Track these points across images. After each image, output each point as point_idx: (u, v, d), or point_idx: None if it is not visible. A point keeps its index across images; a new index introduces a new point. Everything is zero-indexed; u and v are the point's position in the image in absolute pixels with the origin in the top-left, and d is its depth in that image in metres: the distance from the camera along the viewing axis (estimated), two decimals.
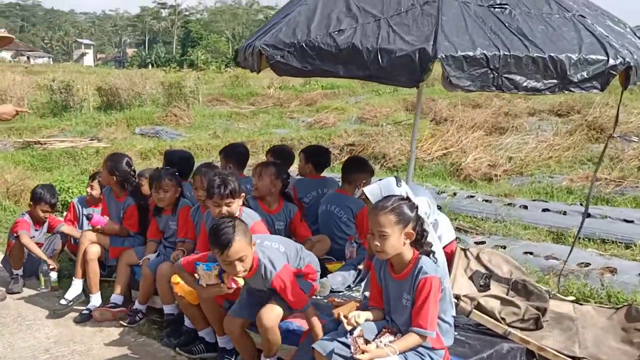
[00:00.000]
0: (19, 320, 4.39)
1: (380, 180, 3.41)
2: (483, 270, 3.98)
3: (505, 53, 3.29)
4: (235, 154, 5.30)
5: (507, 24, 3.47)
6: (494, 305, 3.62)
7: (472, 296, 3.62)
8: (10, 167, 10.59)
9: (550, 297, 4.17)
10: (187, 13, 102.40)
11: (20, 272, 5.13)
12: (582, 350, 3.48)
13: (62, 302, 4.61)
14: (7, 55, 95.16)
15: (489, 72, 3.29)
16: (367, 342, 2.86)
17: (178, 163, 5.05)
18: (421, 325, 2.86)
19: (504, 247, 6.14)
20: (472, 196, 8.89)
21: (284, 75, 3.77)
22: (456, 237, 4.39)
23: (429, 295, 2.86)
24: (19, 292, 4.98)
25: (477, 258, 4.06)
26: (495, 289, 3.85)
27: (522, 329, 3.63)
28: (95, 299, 4.60)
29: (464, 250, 4.14)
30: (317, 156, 5.23)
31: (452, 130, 13.97)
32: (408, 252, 2.97)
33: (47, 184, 5.69)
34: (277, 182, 4.51)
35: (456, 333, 3.53)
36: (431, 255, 2.97)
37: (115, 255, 4.73)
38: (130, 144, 14.11)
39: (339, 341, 2.92)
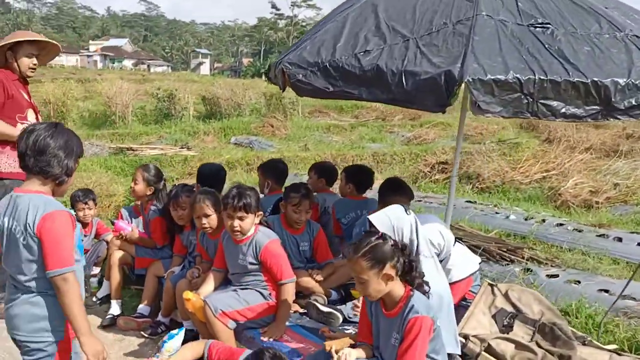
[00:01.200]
0: None
1: (390, 209, 3.33)
2: (509, 309, 3.76)
3: (542, 77, 3.10)
4: (273, 170, 5.36)
5: (547, 45, 3.27)
6: (505, 348, 3.42)
7: (482, 337, 3.44)
8: (102, 171, 11.28)
9: (584, 344, 3.89)
10: (303, 24, 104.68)
11: None
12: None
13: (93, 299, 4.89)
14: (128, 63, 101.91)
15: (523, 97, 3.11)
16: None
17: (209, 176, 5.16)
18: None
19: (578, 282, 5.79)
20: (562, 224, 8.42)
21: (305, 95, 3.76)
22: (476, 271, 4.17)
23: (417, 336, 2.76)
24: None
25: (506, 295, 3.85)
26: (520, 330, 3.63)
27: None
28: (115, 305, 4.78)
29: (492, 285, 3.94)
30: (358, 176, 5.16)
31: (557, 151, 13.34)
32: (398, 289, 2.88)
33: (82, 188, 6.00)
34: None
35: None
36: (425, 288, 2.85)
37: (141, 265, 4.90)
38: (218, 153, 14.60)
39: None
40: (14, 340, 2.69)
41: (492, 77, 3.05)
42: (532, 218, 8.84)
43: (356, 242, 2.96)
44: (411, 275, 2.87)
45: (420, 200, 10.20)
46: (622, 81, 3.15)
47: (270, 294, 3.91)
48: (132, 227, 5.01)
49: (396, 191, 4.58)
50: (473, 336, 3.45)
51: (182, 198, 4.69)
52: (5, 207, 2.67)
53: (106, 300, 4.87)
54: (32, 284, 2.59)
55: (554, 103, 3.15)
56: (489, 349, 3.41)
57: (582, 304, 5.20)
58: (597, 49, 3.32)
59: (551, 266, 6.52)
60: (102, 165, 12.21)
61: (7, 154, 4.56)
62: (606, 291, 5.58)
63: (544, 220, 8.64)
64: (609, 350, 3.90)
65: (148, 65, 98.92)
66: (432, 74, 3.12)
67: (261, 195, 4.90)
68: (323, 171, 5.49)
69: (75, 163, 2.77)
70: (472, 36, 3.24)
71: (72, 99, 20.51)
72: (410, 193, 4.68)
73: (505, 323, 3.67)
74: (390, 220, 3.22)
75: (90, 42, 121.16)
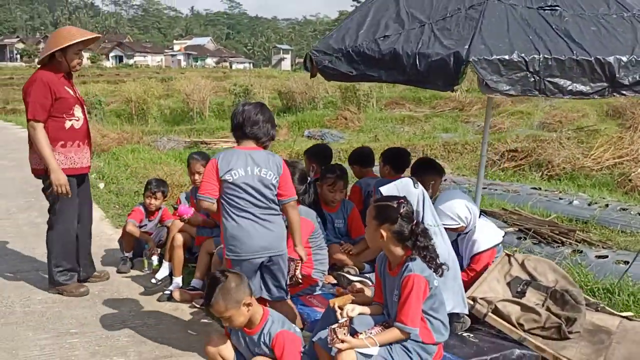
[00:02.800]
0: (115, 295, 5.19)
1: (400, 182, 3.65)
2: (524, 277, 3.98)
3: (546, 56, 3.31)
4: (317, 154, 5.74)
5: (554, 26, 3.48)
6: (511, 310, 3.64)
7: (489, 299, 3.68)
8: (176, 164, 12.02)
9: (597, 310, 4.06)
10: None
11: (129, 254, 5.93)
12: None
13: (152, 281, 5.37)
14: (211, 61, 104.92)
15: (529, 75, 3.32)
16: (356, 333, 3.14)
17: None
18: (402, 321, 3.06)
19: (626, 262, 5.87)
20: (625, 209, 8.39)
21: (332, 80, 4.12)
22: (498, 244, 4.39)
23: (410, 293, 3.04)
24: (125, 273, 5.78)
25: (522, 265, 4.07)
26: (532, 296, 3.84)
27: (544, 337, 3.61)
28: (177, 282, 5.26)
29: (509, 255, 4.16)
30: (394, 158, 5.43)
31: (630, 137, 13.06)
32: (399, 250, 3.18)
33: (158, 178, 6.52)
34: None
35: (471, 334, 3.66)
36: (427, 253, 3.14)
37: (200, 243, 5.37)
38: (288, 145, 15.12)
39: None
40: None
41: (498, 57, 3.29)
42: (595, 203, 8.83)
43: (382, 196, 3.35)
44: (414, 244, 3.16)
45: (485, 188, 10.32)
46: (625, 58, 3.32)
47: None
48: (193, 210, 5.51)
49: (427, 169, 4.87)
50: (481, 298, 3.71)
51: None
52: (244, 160, 3.65)
53: (165, 281, 5.40)
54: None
55: (561, 81, 3.35)
56: (496, 311, 3.65)
57: (625, 282, 5.33)
58: (603, 29, 3.50)
59: (602, 248, 6.60)
60: (177, 158, 12.96)
61: (58, 151, 4.95)
62: None
63: (607, 205, 8.63)
64: (621, 316, 4.06)
65: (230, 63, 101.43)
66: (442, 55, 3.40)
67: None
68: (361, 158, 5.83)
69: (274, 131, 3.88)
70: (482, 20, 3.49)
71: (152, 96, 21.60)
72: (440, 170, 4.95)
73: (519, 289, 3.90)
74: (398, 191, 3.54)
75: (174, 41, 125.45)
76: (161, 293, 5.17)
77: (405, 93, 27.89)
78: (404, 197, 3.27)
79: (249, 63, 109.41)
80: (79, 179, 5.19)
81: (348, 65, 3.88)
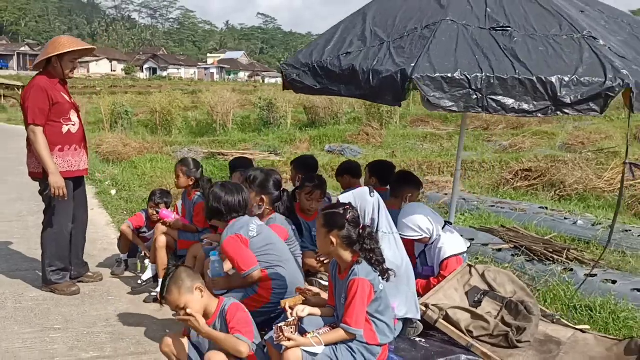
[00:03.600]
0: (104, 295, 5.50)
1: (359, 189, 3.89)
2: (483, 287, 4.16)
3: (489, 75, 3.48)
4: (303, 164, 6.00)
5: (502, 46, 3.66)
6: (461, 317, 3.81)
7: (440, 306, 3.87)
8: None
9: (553, 322, 4.20)
10: None
11: (124, 257, 6.25)
12: None
13: (139, 282, 5.68)
14: (243, 75, 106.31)
15: (472, 93, 3.50)
16: (305, 333, 3.35)
17: (239, 167, 5.88)
18: (347, 322, 3.25)
19: (614, 282, 5.98)
20: (628, 230, 8.45)
21: (299, 92, 4.39)
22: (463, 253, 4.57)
23: (355, 296, 3.23)
24: (119, 275, 6.10)
25: (482, 275, 4.24)
26: (488, 306, 4.01)
27: (492, 344, 3.77)
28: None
29: (471, 266, 4.34)
30: (380, 170, 5.66)
31: None
32: (347, 255, 3.38)
33: (163, 189, 6.80)
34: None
35: (423, 339, 3.84)
36: (373, 258, 3.35)
37: (183, 247, 5.60)
38: None
39: None
40: None
41: (441, 75, 3.48)
42: (599, 224, 8.89)
43: (330, 204, 3.57)
44: (362, 248, 3.36)
45: (493, 206, 10.46)
46: (567, 78, 3.47)
47: None
48: (175, 216, 5.81)
49: (405, 181, 5.08)
50: (433, 305, 3.90)
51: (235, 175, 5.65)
52: None
53: (150, 282, 5.67)
54: None
55: (503, 99, 3.51)
56: (447, 317, 3.82)
57: (607, 300, 5.46)
58: (551, 49, 3.68)
59: (593, 267, 6.69)
60: None
61: (56, 154, 5.28)
62: (639, 290, 5.76)
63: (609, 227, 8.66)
64: (575, 329, 4.21)
65: (262, 77, 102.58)
66: (391, 72, 3.60)
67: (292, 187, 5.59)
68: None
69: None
70: (432, 39, 3.69)
71: (177, 108, 22.12)
72: (418, 183, 5.16)
73: (476, 299, 4.07)
74: (354, 199, 3.78)
75: (208, 55, 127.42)
76: (148, 294, 5.46)
77: (432, 112, 27.94)
78: (349, 204, 3.50)
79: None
80: (76, 181, 5.53)
81: (313, 79, 4.14)
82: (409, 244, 4.71)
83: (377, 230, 3.74)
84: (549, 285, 5.91)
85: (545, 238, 7.89)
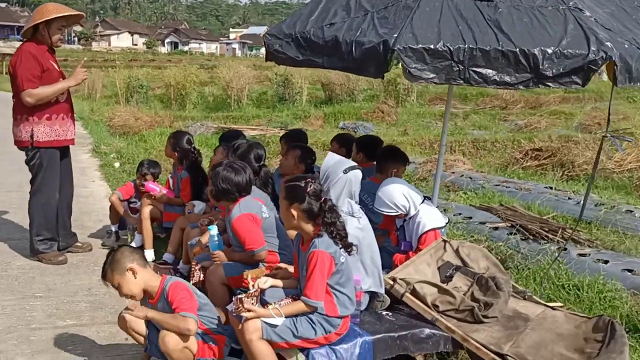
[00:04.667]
0: (91, 266, 5.54)
1: (340, 160, 3.81)
2: (456, 263, 4.09)
3: (471, 46, 3.41)
4: (293, 139, 5.91)
5: (487, 17, 3.57)
6: (427, 291, 3.77)
7: (408, 280, 3.81)
8: (200, 148, 12.37)
9: (525, 298, 4.15)
10: None
11: (115, 227, 6.30)
12: (510, 349, 3.45)
13: None
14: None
15: (454, 64, 3.43)
16: (266, 304, 3.32)
17: (229, 140, 5.81)
18: (306, 295, 3.25)
19: (606, 262, 5.91)
20: (631, 211, 8.30)
21: (281, 64, 4.31)
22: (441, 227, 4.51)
23: (315, 268, 3.22)
24: (109, 246, 6.07)
25: (456, 251, 4.19)
26: (459, 281, 3.97)
27: (458, 319, 3.74)
28: (148, 254, 5.54)
29: (445, 241, 4.27)
30: (367, 146, 5.58)
31: None
32: (309, 228, 3.36)
33: (151, 159, 6.81)
34: (301, 165, 5.01)
35: (390, 313, 3.83)
36: (333, 229, 3.29)
37: (169, 219, 5.67)
38: (315, 136, 15.30)
39: None
40: None
41: (423, 46, 3.41)
42: (602, 204, 8.74)
43: (292, 177, 3.56)
44: (323, 222, 3.32)
45: (498, 185, 10.37)
46: (550, 50, 3.39)
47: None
48: (160, 189, 5.80)
49: (391, 157, 5.01)
50: (400, 279, 3.84)
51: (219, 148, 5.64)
52: None
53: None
54: None
55: (485, 70, 3.45)
56: (414, 292, 3.79)
57: (595, 279, 5.39)
58: (536, 20, 3.58)
59: (588, 246, 6.60)
60: (203, 143, 13.33)
61: (44, 123, 5.31)
62: (630, 271, 5.71)
63: (613, 207, 8.54)
64: (547, 306, 4.13)
65: None
66: (374, 43, 3.53)
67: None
68: (344, 142, 5.97)
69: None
70: (416, 9, 3.61)
71: (192, 82, 22.06)
72: (404, 159, 5.10)
73: (448, 274, 4.02)
74: (327, 167, 3.75)
75: (231, 29, 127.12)
76: None
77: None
78: (311, 176, 3.46)
79: None
80: (62, 151, 5.50)
81: (296, 50, 4.07)
82: (390, 219, 4.65)
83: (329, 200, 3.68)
84: (540, 264, 5.82)
85: (543, 217, 7.77)
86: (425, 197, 4.52)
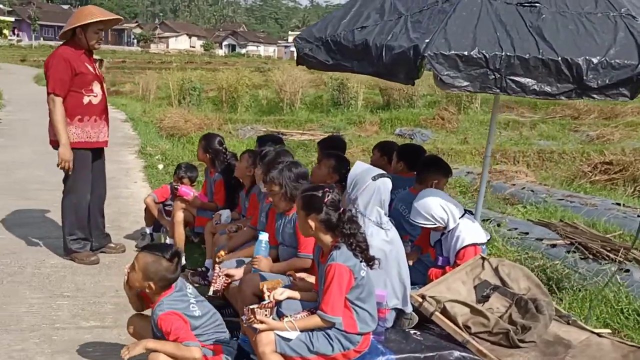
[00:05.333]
0: (122, 267, 5.59)
1: (368, 168, 3.81)
2: (494, 282, 3.98)
3: (509, 54, 3.31)
4: (330, 146, 5.91)
5: (528, 23, 3.48)
6: (458, 311, 3.65)
7: (438, 298, 3.73)
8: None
9: (568, 323, 4.00)
10: None
11: (149, 230, 6.44)
12: None
13: None
14: None
15: (489, 72, 3.35)
16: (282, 316, 3.33)
17: (266, 143, 5.82)
18: (322, 309, 3.20)
19: None
20: None
21: (311, 67, 4.32)
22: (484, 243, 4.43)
23: (332, 282, 3.17)
24: None
25: (495, 269, 4.05)
26: (497, 302, 3.83)
27: (492, 342, 3.62)
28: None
29: (484, 259, 4.16)
30: (409, 154, 5.52)
31: None
32: (328, 239, 3.33)
33: (189, 163, 6.91)
34: (334, 175, 5.00)
35: (418, 332, 3.77)
36: (354, 244, 3.27)
37: (201, 224, 5.73)
38: (365, 141, 15.28)
39: None
40: None
41: (456, 52, 3.33)
42: None
43: (308, 186, 3.56)
44: (342, 232, 3.29)
45: (562, 199, 10.13)
46: (595, 59, 3.28)
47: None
48: (193, 193, 5.92)
49: (431, 167, 4.94)
50: (430, 297, 3.77)
51: (245, 155, 5.52)
52: None
53: None
54: None
55: (524, 79, 3.36)
56: (444, 311, 3.68)
57: None
58: (582, 27, 3.47)
59: (627, 261, 6.40)
60: (249, 147, 13.52)
61: (75, 124, 5.47)
62: None
63: None
64: (592, 332, 3.99)
65: None
66: (404, 48, 3.48)
67: None
68: (386, 151, 5.94)
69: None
70: (452, 14, 3.54)
71: (244, 85, 22.42)
72: (446, 170, 4.99)
73: (485, 294, 3.92)
74: (356, 174, 3.73)
75: (290, 32, 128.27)
76: None
77: (519, 98, 27.21)
78: (330, 186, 3.45)
79: None
80: (95, 152, 5.69)
81: (326, 54, 4.07)
82: (425, 233, 4.60)
83: (360, 213, 3.66)
84: (597, 285, 5.66)
85: (607, 236, 7.55)
86: (466, 211, 4.45)
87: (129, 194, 8.76)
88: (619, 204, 9.75)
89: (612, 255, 6.67)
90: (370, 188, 3.70)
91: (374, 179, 3.70)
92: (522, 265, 6.08)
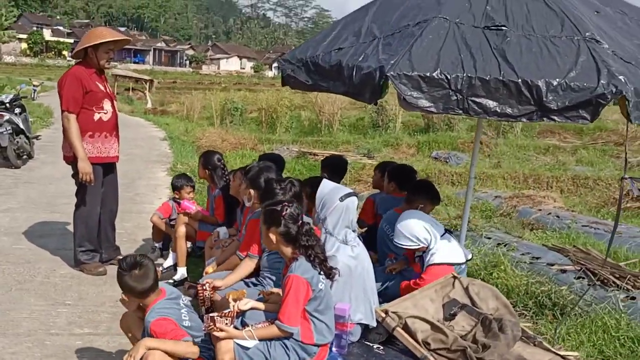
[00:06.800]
0: None
1: (335, 187, 3.91)
2: (462, 301, 4.02)
3: (470, 75, 3.35)
4: (330, 165, 6.02)
5: (493, 46, 3.51)
6: (419, 327, 3.69)
7: (400, 314, 3.78)
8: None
9: (535, 344, 3.99)
10: None
11: (158, 245, 6.63)
12: None
13: (159, 269, 5.98)
14: None
15: (452, 93, 3.38)
16: (244, 326, 3.45)
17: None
18: (280, 319, 3.30)
19: None
20: None
21: (294, 88, 4.47)
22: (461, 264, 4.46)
23: (289, 293, 3.28)
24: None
25: (466, 289, 4.09)
26: (463, 320, 3.86)
27: (450, 359, 3.65)
28: (180, 272, 5.82)
29: (455, 278, 4.20)
30: (399, 175, 5.58)
31: None
32: (288, 252, 3.45)
33: (181, 174, 7.01)
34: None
35: (381, 347, 3.82)
36: (312, 256, 3.38)
37: (202, 238, 5.88)
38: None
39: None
40: None
41: (419, 73, 3.39)
42: None
43: (270, 202, 3.68)
44: (300, 245, 3.41)
45: (586, 226, 9.97)
46: (555, 81, 3.29)
47: None
48: (195, 207, 6.10)
49: (421, 192, 4.98)
50: (392, 312, 3.83)
51: (237, 173, 5.62)
52: None
53: (171, 270, 6.03)
54: None
55: (485, 101, 3.38)
56: (405, 326, 3.73)
57: None
58: (546, 50, 3.49)
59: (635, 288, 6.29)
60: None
61: (86, 140, 5.70)
62: None
63: None
64: (557, 354, 3.97)
65: None
66: (372, 68, 3.55)
67: None
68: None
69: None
70: (419, 36, 3.62)
71: (283, 106, 22.75)
72: (434, 196, 5.05)
73: (452, 312, 3.96)
74: (323, 194, 3.85)
75: None
76: (166, 282, 5.77)
77: (565, 124, 26.89)
78: (290, 200, 3.58)
79: None
80: (106, 167, 5.94)
81: (306, 75, 4.21)
82: (411, 254, 4.67)
83: (328, 233, 3.77)
84: (599, 311, 5.61)
85: (621, 263, 7.43)
86: (446, 231, 4.51)
87: (152, 209, 8.98)
88: None
89: (618, 282, 6.58)
90: (339, 208, 3.82)
91: (342, 199, 3.82)
92: (529, 289, 6.13)
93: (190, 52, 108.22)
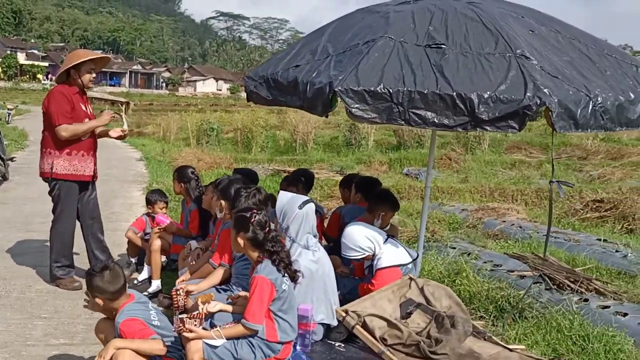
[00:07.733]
0: None
1: (293, 196, 4.17)
2: (417, 300, 4.29)
3: (410, 89, 3.67)
4: (297, 179, 6.25)
5: (432, 62, 3.83)
6: (377, 325, 3.97)
7: (359, 312, 4.04)
8: None
9: (485, 339, 4.27)
10: None
11: (133, 260, 6.82)
12: None
13: (134, 282, 6.20)
14: None
15: (394, 106, 3.71)
16: (212, 327, 3.67)
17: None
18: (245, 318, 3.54)
19: (625, 315, 5.98)
20: None
21: (257, 103, 4.77)
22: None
23: (254, 292, 3.54)
24: (128, 276, 6.41)
25: (421, 289, 4.37)
26: (418, 318, 4.16)
27: (406, 354, 3.91)
28: (155, 284, 6.01)
29: (412, 279, 4.48)
30: (366, 187, 5.86)
31: None
32: (254, 255, 3.73)
33: (155, 190, 7.33)
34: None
35: (342, 345, 4.09)
36: (277, 260, 3.64)
37: (176, 251, 6.10)
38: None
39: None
40: None
41: (364, 88, 3.71)
42: (618, 251, 8.74)
43: (241, 208, 3.95)
44: (265, 249, 3.68)
45: (552, 236, 10.31)
46: (486, 94, 3.62)
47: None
48: (170, 221, 6.31)
49: (381, 200, 5.26)
50: (352, 311, 4.08)
51: (209, 187, 5.85)
52: None
53: (145, 283, 6.23)
54: None
55: (424, 112, 3.70)
56: (364, 324, 3.99)
57: (604, 331, 5.44)
58: (480, 66, 3.81)
59: (613, 299, 6.60)
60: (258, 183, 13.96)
61: (63, 157, 5.88)
62: None
63: (625, 255, 8.49)
64: (506, 347, 4.24)
65: None
66: (323, 84, 3.87)
67: None
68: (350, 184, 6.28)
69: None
70: (366, 54, 3.93)
71: (258, 126, 23.02)
72: (394, 204, 5.35)
73: (408, 311, 4.24)
74: (283, 204, 4.10)
75: None
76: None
77: (535, 138, 27.48)
78: (259, 208, 3.83)
79: None
80: (81, 185, 6.11)
81: (267, 91, 4.51)
82: (360, 265, 4.95)
83: (291, 240, 4.02)
84: (554, 313, 5.89)
85: (576, 269, 7.76)
86: (388, 236, 4.78)
87: (127, 227, 9.16)
88: (599, 240, 9.93)
89: (572, 286, 6.90)
90: (299, 216, 4.09)
91: (300, 207, 4.08)
92: (490, 294, 6.40)
93: (167, 74, 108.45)
